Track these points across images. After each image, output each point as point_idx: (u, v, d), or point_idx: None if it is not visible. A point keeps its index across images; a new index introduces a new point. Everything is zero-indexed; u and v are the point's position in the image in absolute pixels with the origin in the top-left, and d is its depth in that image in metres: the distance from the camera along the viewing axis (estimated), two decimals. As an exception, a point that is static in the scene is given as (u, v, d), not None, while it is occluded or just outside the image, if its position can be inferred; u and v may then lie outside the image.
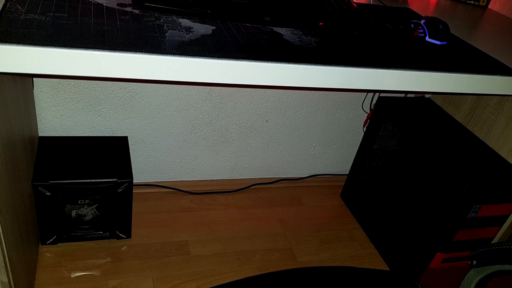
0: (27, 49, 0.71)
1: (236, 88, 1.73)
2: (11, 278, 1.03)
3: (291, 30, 1.03)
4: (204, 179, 1.95)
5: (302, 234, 1.79)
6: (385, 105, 1.72)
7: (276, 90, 1.78)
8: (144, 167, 1.82)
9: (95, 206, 1.48)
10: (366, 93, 1.91)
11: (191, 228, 1.71)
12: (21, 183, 1.18)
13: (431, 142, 1.50)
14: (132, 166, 1.80)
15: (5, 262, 0.99)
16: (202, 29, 0.93)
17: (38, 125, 1.57)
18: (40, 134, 1.59)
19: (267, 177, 2.06)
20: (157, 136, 1.74)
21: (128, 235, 1.60)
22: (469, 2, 1.67)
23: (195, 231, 1.70)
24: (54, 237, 1.50)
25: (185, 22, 0.95)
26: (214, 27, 0.95)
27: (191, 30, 0.91)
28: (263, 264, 1.63)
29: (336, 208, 1.98)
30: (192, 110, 1.72)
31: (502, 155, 1.49)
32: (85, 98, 1.57)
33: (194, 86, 1.67)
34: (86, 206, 1.47)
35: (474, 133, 1.60)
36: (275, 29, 1.02)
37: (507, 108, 1.48)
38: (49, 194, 1.38)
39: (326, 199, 2.02)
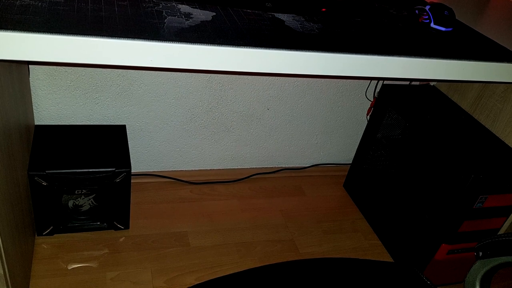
0: (22, 35, 0.71)
1: (237, 76, 1.71)
2: (6, 270, 1.02)
3: (293, 16, 1.03)
4: (204, 168, 1.94)
5: (304, 225, 1.78)
6: (389, 93, 1.71)
7: (278, 77, 1.77)
8: (143, 157, 1.80)
9: (92, 196, 1.47)
10: (369, 80, 1.89)
11: (191, 219, 1.70)
12: (16, 172, 1.17)
13: (436, 131, 1.49)
14: (130, 156, 1.78)
15: (0, 254, 0.98)
16: (202, 15, 0.93)
17: (34, 113, 1.55)
18: (36, 123, 1.57)
19: (269, 166, 2.04)
20: (156, 124, 1.72)
21: (126, 226, 1.59)
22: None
23: (195, 222, 1.69)
24: (50, 228, 1.49)
25: (184, 8, 0.94)
26: (214, 13, 0.95)
27: (191, 16, 0.91)
28: (264, 255, 1.62)
29: (339, 198, 1.97)
30: (191, 98, 1.70)
31: (509, 144, 1.49)
32: (82, 85, 1.55)
33: (194, 74, 1.65)
34: (83, 196, 1.46)
35: (480, 122, 1.59)
36: (276, 15, 1.02)
37: (515, 97, 1.47)
38: (45, 184, 1.37)
39: (329, 189, 2.00)
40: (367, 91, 1.93)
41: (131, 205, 1.69)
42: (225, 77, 1.70)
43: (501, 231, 1.53)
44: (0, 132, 0.97)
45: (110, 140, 1.54)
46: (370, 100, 1.96)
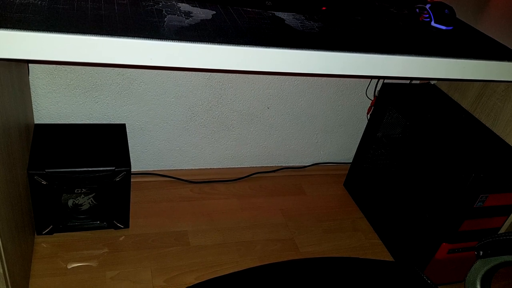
0: (22, 34, 0.71)
1: (237, 74, 1.71)
2: (6, 269, 1.02)
3: (293, 14, 1.03)
4: (204, 167, 1.93)
5: (304, 224, 1.77)
6: (390, 92, 1.70)
7: (278, 76, 1.76)
8: (143, 155, 1.80)
9: (92, 195, 1.47)
10: (370, 79, 1.89)
11: (191, 218, 1.69)
12: (16, 171, 1.16)
13: (437, 130, 1.48)
14: (130, 154, 1.78)
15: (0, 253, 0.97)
16: (202, 13, 0.92)
17: (33, 112, 1.55)
18: (36, 122, 1.57)
19: (269, 165, 2.04)
20: (155, 123, 1.72)
21: (126, 225, 1.58)
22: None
23: (195, 221, 1.68)
24: (50, 227, 1.48)
25: (184, 6, 0.94)
26: (214, 12, 0.95)
27: (191, 14, 0.91)
28: (264, 254, 1.61)
29: (339, 197, 1.96)
30: (191, 96, 1.70)
31: (510, 143, 1.48)
32: (82, 84, 1.54)
33: (194, 72, 1.64)
34: (83, 196, 1.46)
35: (481, 121, 1.58)
36: (276, 13, 1.01)
37: (515, 95, 1.47)
38: (45, 183, 1.36)
39: (329, 188, 2.00)
40: (368, 90, 1.93)
41: (131, 204, 1.69)
42: (225, 75, 1.69)
43: (502, 230, 1.52)
44: (0, 131, 0.96)
45: (110, 139, 1.53)
46: (370, 99, 1.96)
